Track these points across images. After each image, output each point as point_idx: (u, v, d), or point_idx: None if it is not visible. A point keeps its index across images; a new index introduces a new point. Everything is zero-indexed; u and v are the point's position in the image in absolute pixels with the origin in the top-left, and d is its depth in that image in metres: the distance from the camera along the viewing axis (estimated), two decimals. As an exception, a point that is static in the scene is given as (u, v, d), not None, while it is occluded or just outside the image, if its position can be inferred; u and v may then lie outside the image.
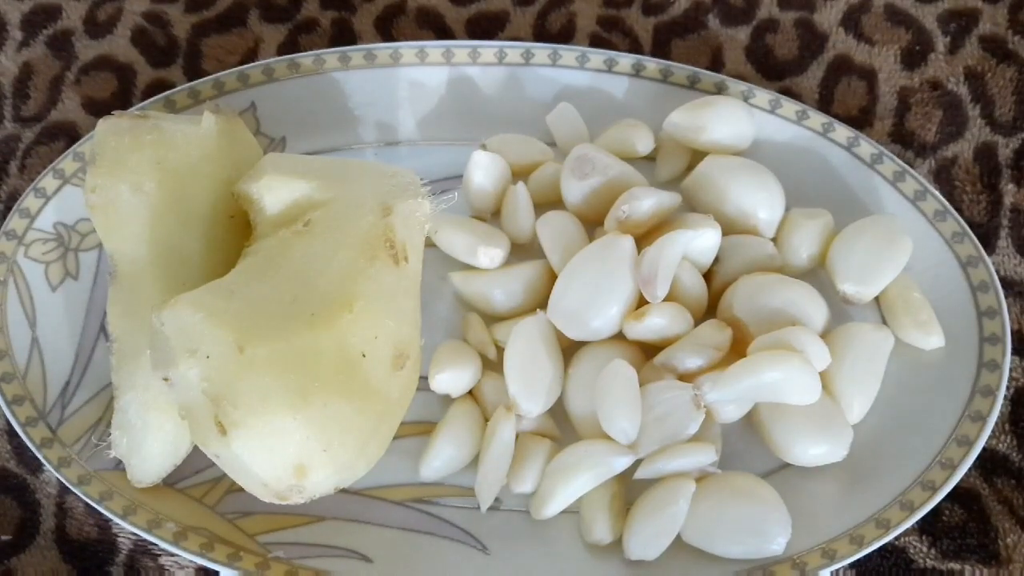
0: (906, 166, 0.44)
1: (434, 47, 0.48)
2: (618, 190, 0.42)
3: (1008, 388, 0.42)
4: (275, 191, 0.39)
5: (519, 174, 0.46)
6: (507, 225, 0.44)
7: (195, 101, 0.47)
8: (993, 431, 0.39)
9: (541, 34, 0.52)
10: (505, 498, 0.40)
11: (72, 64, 0.52)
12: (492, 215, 0.46)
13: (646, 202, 0.41)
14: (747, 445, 0.41)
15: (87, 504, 0.40)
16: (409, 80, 0.48)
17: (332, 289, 0.36)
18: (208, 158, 0.41)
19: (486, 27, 0.52)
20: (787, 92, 0.49)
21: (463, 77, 0.48)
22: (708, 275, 0.42)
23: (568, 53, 0.48)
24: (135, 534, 0.41)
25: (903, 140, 0.48)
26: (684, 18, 0.52)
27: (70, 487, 0.40)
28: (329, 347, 0.35)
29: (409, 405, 0.39)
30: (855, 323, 0.41)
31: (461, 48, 0.48)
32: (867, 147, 0.45)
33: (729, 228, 0.43)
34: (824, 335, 0.40)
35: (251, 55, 0.52)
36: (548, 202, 0.45)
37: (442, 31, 0.52)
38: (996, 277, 0.41)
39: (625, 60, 0.47)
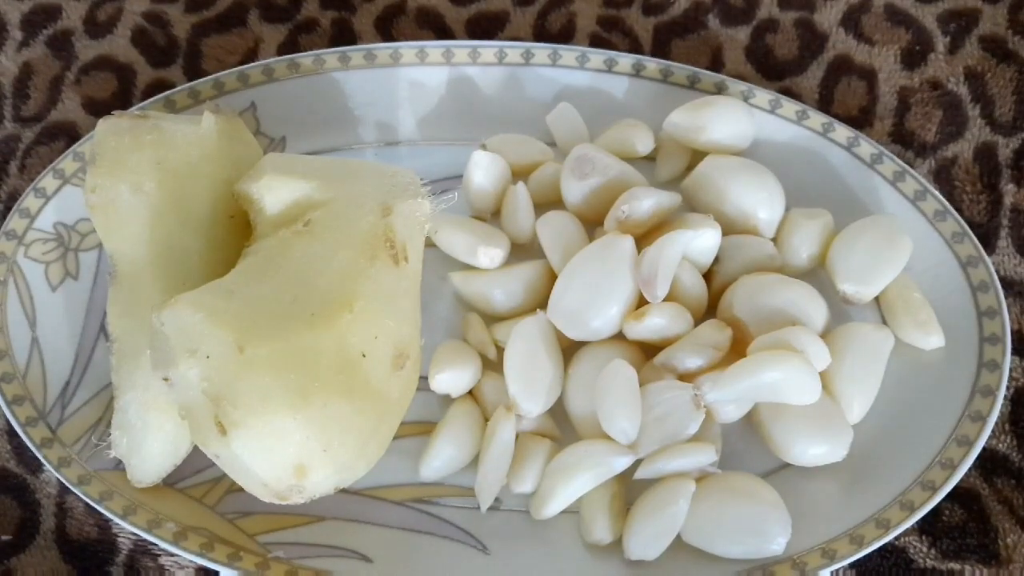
0: (906, 166, 0.44)
1: (434, 47, 0.48)
2: (618, 190, 0.42)
3: (1008, 388, 0.42)
4: (275, 191, 0.39)
5: (519, 174, 0.46)
6: (507, 225, 0.44)
7: (195, 101, 0.47)
8: (993, 431, 0.39)
9: (541, 34, 0.52)
10: (505, 498, 0.40)
11: (72, 64, 0.52)
12: (492, 215, 0.46)
13: (646, 202, 0.41)
14: (747, 445, 0.41)
15: (87, 504, 0.40)
16: (409, 80, 0.48)
17: (332, 289, 0.36)
18: (208, 158, 0.41)
19: (486, 27, 0.52)
20: (787, 92, 0.49)
21: (463, 77, 0.48)
22: (708, 275, 0.42)
23: (568, 53, 0.48)
24: (135, 534, 0.41)
25: (903, 140, 0.48)
26: (684, 18, 0.52)
27: (70, 487, 0.40)
28: (329, 347, 0.35)
29: (409, 405, 0.39)
30: (855, 323, 0.41)
31: (461, 48, 0.48)
32: (867, 147, 0.45)
33: (729, 228, 0.43)
34: (824, 335, 0.40)
35: (251, 55, 0.52)
36: (548, 202, 0.45)
37: (442, 31, 0.52)
38: (996, 277, 0.41)
39: (625, 60, 0.47)
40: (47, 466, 0.40)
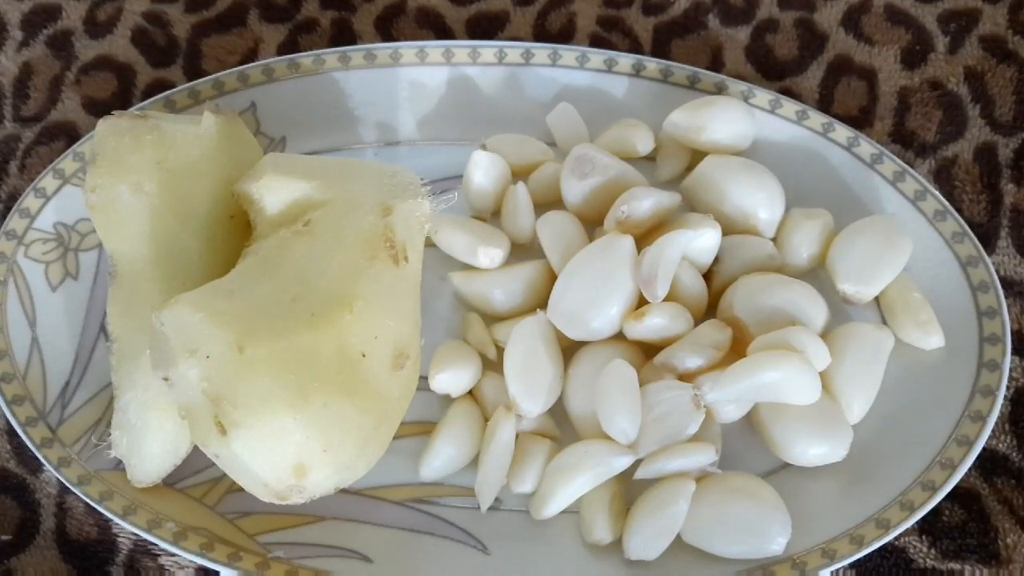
0: (906, 166, 0.44)
1: (434, 47, 0.48)
2: (618, 190, 0.42)
3: (1008, 388, 0.42)
4: (275, 191, 0.39)
5: (519, 174, 0.46)
6: (507, 225, 0.44)
7: (195, 101, 0.47)
8: (993, 431, 0.39)
9: (541, 34, 0.52)
10: (505, 498, 0.40)
11: (72, 64, 0.52)
12: (492, 215, 0.46)
13: (646, 202, 0.41)
14: (747, 445, 0.41)
15: (87, 504, 0.40)
16: (409, 80, 0.48)
17: (332, 289, 0.36)
18: (208, 158, 0.41)
19: (486, 27, 0.52)
20: (787, 92, 0.49)
21: (463, 77, 0.48)
22: (708, 275, 0.42)
23: (568, 53, 0.48)
24: (135, 534, 0.41)
25: (903, 140, 0.48)
26: (684, 18, 0.52)
27: (70, 487, 0.40)
28: (329, 347, 0.35)
29: (409, 405, 0.39)
30: (855, 323, 0.41)
31: (461, 48, 0.48)
32: (867, 147, 0.45)
33: (729, 228, 0.43)
34: (824, 335, 0.40)
35: (251, 55, 0.52)
36: (548, 202, 0.45)
37: (442, 31, 0.52)
38: (996, 277, 0.41)
39: (625, 60, 0.47)
40: (47, 466, 0.40)
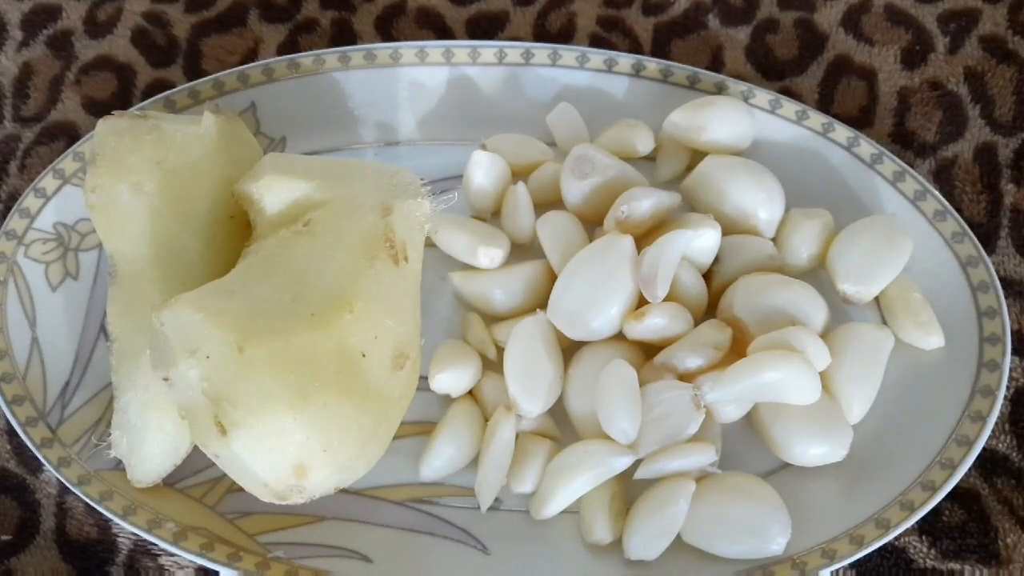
0: (906, 166, 0.44)
1: (434, 47, 0.48)
2: (618, 190, 0.42)
3: (1008, 388, 0.42)
4: (275, 191, 0.39)
5: (519, 174, 0.46)
6: (507, 225, 0.44)
7: (195, 101, 0.47)
8: (993, 431, 0.39)
9: (541, 34, 0.52)
10: (505, 498, 0.40)
11: (72, 64, 0.52)
12: (492, 215, 0.46)
13: (645, 202, 0.41)
14: (747, 445, 0.41)
15: (87, 504, 0.40)
16: (409, 80, 0.48)
17: (332, 289, 0.36)
18: (208, 158, 0.41)
19: (486, 27, 0.52)
20: (787, 92, 0.49)
21: (463, 77, 0.48)
22: (708, 275, 0.42)
23: (568, 53, 0.48)
24: (135, 534, 0.41)
25: (903, 140, 0.48)
26: (684, 18, 0.52)
27: (70, 487, 0.40)
28: (329, 347, 0.35)
29: (409, 405, 0.39)
30: (855, 323, 0.41)
31: (461, 48, 0.48)
32: (867, 147, 0.45)
33: (729, 228, 0.43)
34: (824, 335, 0.40)
35: (251, 55, 0.52)
36: (548, 202, 0.45)
37: (442, 31, 0.52)
38: (996, 277, 0.41)
39: (625, 60, 0.47)
40: (47, 466, 0.40)
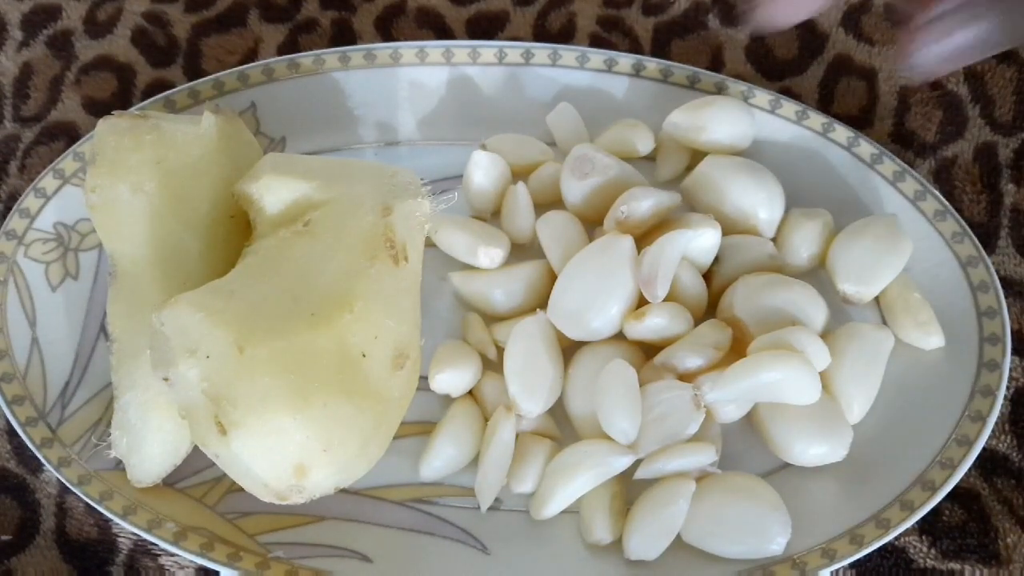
0: (906, 166, 0.44)
1: (434, 47, 0.48)
2: (618, 190, 0.42)
3: (1008, 388, 0.42)
4: (275, 191, 0.39)
5: (519, 174, 0.46)
6: (507, 225, 0.44)
7: (195, 101, 0.47)
8: (993, 431, 0.39)
9: (541, 34, 0.52)
10: (505, 498, 0.40)
11: (72, 64, 0.52)
12: (492, 215, 0.46)
13: (645, 202, 0.41)
14: (747, 445, 0.41)
15: (87, 504, 0.40)
16: (409, 80, 0.48)
17: (332, 289, 0.36)
18: (208, 158, 0.41)
19: (486, 27, 0.52)
20: (787, 92, 0.49)
21: (463, 77, 0.48)
22: (708, 275, 0.42)
23: (568, 53, 0.48)
24: (135, 534, 0.41)
25: (903, 140, 0.48)
26: (684, 18, 0.52)
27: (70, 487, 0.40)
28: (329, 347, 0.35)
29: (409, 405, 0.39)
30: (855, 323, 0.41)
31: (461, 48, 0.48)
32: (867, 147, 0.45)
33: (729, 228, 0.43)
34: (824, 335, 0.40)
35: (251, 55, 0.52)
36: (548, 202, 0.45)
37: (442, 31, 0.52)
38: (996, 277, 0.41)
39: (625, 60, 0.47)
40: (47, 466, 0.40)
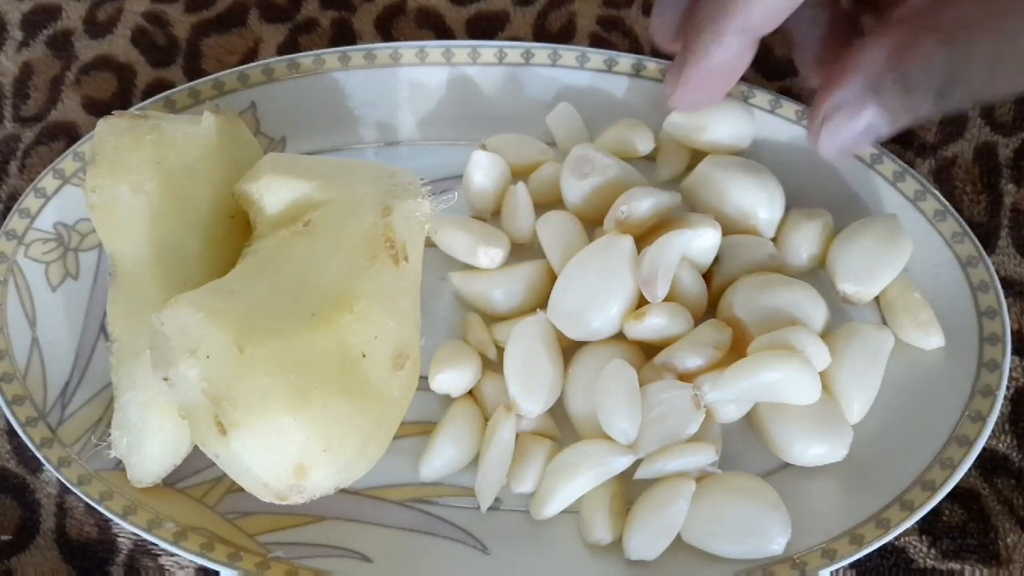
0: (906, 166, 0.44)
1: (434, 47, 0.48)
2: (618, 190, 0.42)
3: (1008, 388, 0.42)
4: (275, 191, 0.39)
5: (519, 174, 0.46)
6: (507, 225, 0.44)
7: (195, 101, 0.47)
8: (993, 431, 0.39)
9: (541, 34, 0.52)
10: (505, 498, 0.40)
11: (72, 64, 0.52)
12: (492, 215, 0.46)
13: (645, 202, 0.41)
14: (747, 445, 0.41)
15: (87, 504, 0.40)
16: (409, 80, 0.48)
17: (332, 289, 0.36)
18: (208, 158, 0.41)
19: (486, 27, 0.52)
20: (787, 92, 0.49)
21: (463, 77, 0.48)
22: (708, 275, 0.42)
23: (568, 53, 0.48)
24: (135, 534, 0.41)
25: (903, 140, 0.48)
26: (684, 18, 0.52)
27: (70, 487, 0.40)
28: (329, 347, 0.35)
29: (409, 405, 0.39)
30: (855, 323, 0.41)
31: (461, 48, 0.48)
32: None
33: (729, 228, 0.43)
34: (824, 335, 0.40)
35: (251, 55, 0.52)
36: (548, 202, 0.45)
37: (442, 31, 0.52)
38: (996, 277, 0.41)
39: (625, 60, 0.47)
40: (47, 466, 0.40)
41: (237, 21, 0.53)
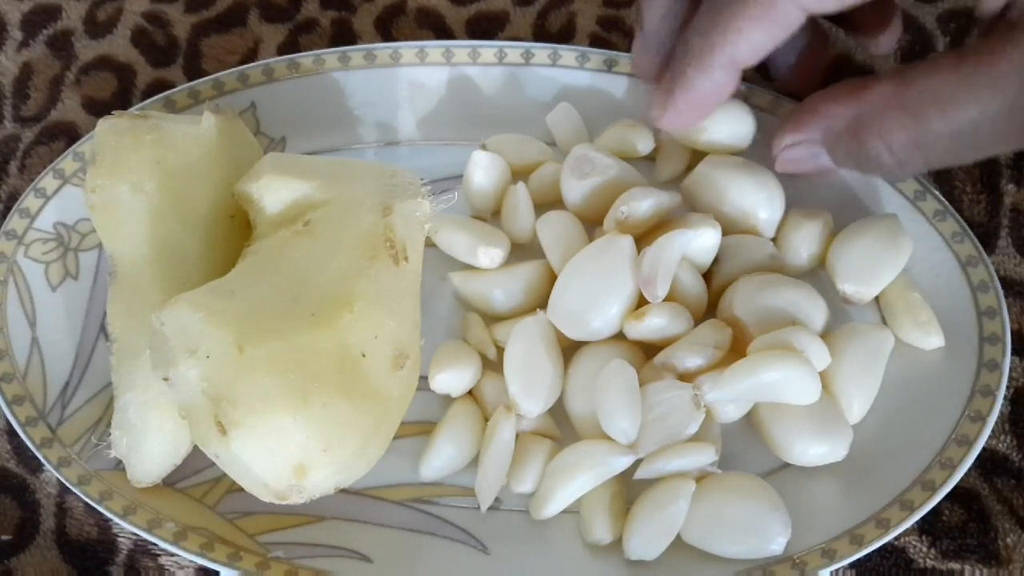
0: (906, 166, 0.44)
1: (434, 47, 0.48)
2: (618, 190, 0.42)
3: (1008, 388, 0.42)
4: (275, 191, 0.39)
5: (519, 174, 0.46)
6: (507, 225, 0.44)
7: (195, 101, 0.47)
8: (993, 431, 0.39)
9: (541, 34, 0.52)
10: (505, 498, 0.40)
11: (72, 64, 0.52)
12: (492, 215, 0.46)
13: (645, 202, 0.41)
14: (747, 445, 0.41)
15: (87, 504, 0.40)
16: (409, 80, 0.48)
17: (332, 289, 0.36)
18: (208, 158, 0.41)
19: (486, 27, 0.52)
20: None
21: (463, 77, 0.48)
22: (708, 275, 0.42)
23: (568, 53, 0.48)
24: (135, 534, 0.41)
25: (903, 140, 0.48)
26: (684, 18, 0.52)
27: (70, 487, 0.40)
28: (329, 347, 0.35)
29: (409, 405, 0.39)
30: (855, 323, 0.41)
31: (461, 48, 0.48)
32: (867, 147, 0.44)
33: (729, 228, 0.43)
34: (824, 335, 0.40)
35: (251, 55, 0.52)
36: (548, 202, 0.45)
37: (442, 31, 0.52)
38: (996, 277, 0.41)
39: (625, 60, 0.47)
40: (47, 466, 0.40)
41: (237, 21, 0.53)
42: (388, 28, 0.53)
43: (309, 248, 0.37)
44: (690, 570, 0.38)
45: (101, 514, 0.41)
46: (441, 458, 0.41)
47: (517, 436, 0.40)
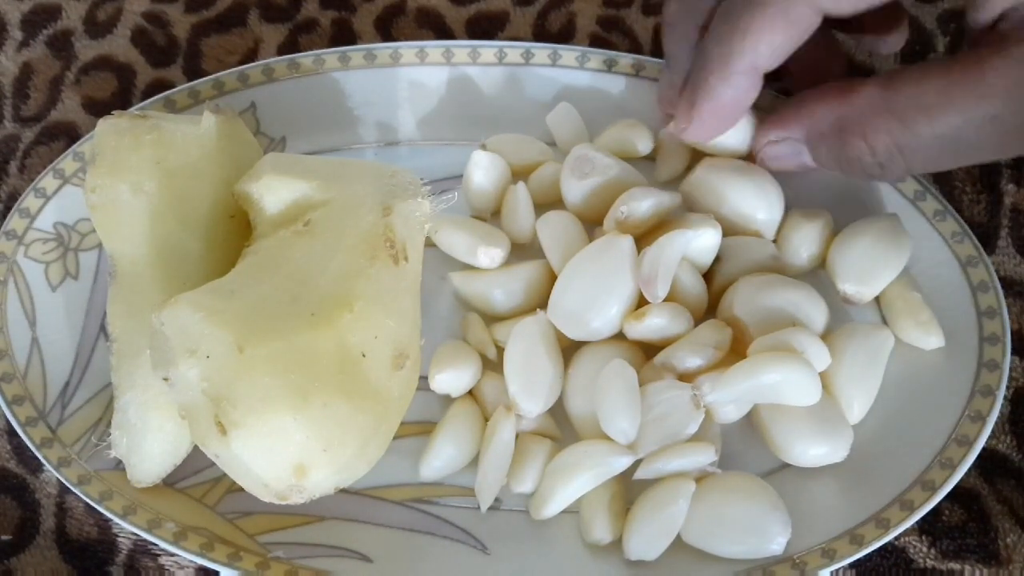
0: (906, 166, 0.44)
1: (434, 47, 0.48)
2: (618, 190, 0.42)
3: (1008, 388, 0.42)
4: (275, 191, 0.39)
5: (519, 174, 0.46)
6: (507, 225, 0.44)
7: (195, 101, 0.47)
8: (993, 431, 0.39)
9: (541, 34, 0.52)
10: (505, 498, 0.40)
11: (72, 64, 0.52)
12: (492, 215, 0.46)
13: (645, 202, 0.41)
14: (747, 445, 0.41)
15: (87, 504, 0.40)
16: (409, 80, 0.48)
17: (332, 289, 0.36)
18: (208, 158, 0.41)
19: (486, 27, 0.52)
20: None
21: (463, 77, 0.48)
22: (708, 275, 0.42)
23: (568, 53, 0.48)
24: (135, 534, 0.41)
25: (903, 140, 0.48)
26: (684, 18, 0.52)
27: (70, 487, 0.40)
28: (329, 347, 0.35)
29: (409, 405, 0.39)
30: (855, 323, 0.41)
31: (461, 48, 0.48)
32: (867, 147, 0.44)
33: (729, 231, 0.43)
34: (824, 335, 0.40)
35: (251, 55, 0.52)
36: (548, 202, 0.45)
37: (442, 31, 0.52)
38: (996, 277, 0.41)
39: (625, 60, 0.47)
40: (47, 466, 0.40)
41: (237, 21, 0.53)
42: (388, 28, 0.53)
43: (309, 248, 0.37)
44: (690, 570, 0.38)
45: (101, 514, 0.41)
46: (441, 458, 0.41)
47: (517, 436, 0.40)
